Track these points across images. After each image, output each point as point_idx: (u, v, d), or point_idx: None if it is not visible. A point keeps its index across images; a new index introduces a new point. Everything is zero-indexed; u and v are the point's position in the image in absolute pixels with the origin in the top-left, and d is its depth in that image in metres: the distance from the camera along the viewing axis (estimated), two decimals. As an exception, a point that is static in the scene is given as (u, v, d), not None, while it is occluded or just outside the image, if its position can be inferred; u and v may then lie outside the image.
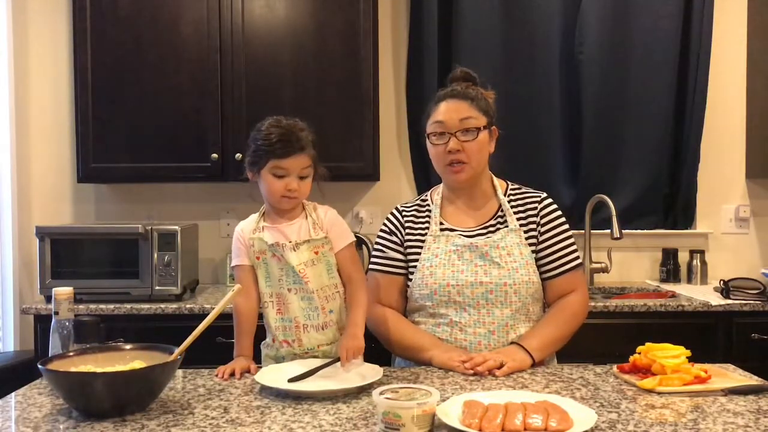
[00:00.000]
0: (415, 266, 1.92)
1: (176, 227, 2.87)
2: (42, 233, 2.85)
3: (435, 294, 1.86)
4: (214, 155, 3.01)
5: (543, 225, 1.93)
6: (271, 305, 1.82)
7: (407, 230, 1.98)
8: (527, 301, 1.87)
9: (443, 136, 1.88)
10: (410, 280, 1.94)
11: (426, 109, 1.98)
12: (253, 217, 1.89)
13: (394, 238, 1.98)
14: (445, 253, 1.89)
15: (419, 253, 1.93)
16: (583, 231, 3.29)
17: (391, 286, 1.96)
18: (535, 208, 1.95)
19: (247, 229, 1.86)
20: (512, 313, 1.85)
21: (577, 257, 1.95)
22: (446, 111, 1.89)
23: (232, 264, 1.88)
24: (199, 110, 3.02)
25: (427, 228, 1.95)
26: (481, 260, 1.87)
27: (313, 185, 1.85)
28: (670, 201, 3.41)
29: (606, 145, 3.34)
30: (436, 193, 2.02)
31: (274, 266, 1.81)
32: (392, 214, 2.04)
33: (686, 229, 3.40)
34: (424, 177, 3.33)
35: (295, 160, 1.78)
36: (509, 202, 1.96)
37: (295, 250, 1.79)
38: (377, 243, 2.01)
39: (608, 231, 3.11)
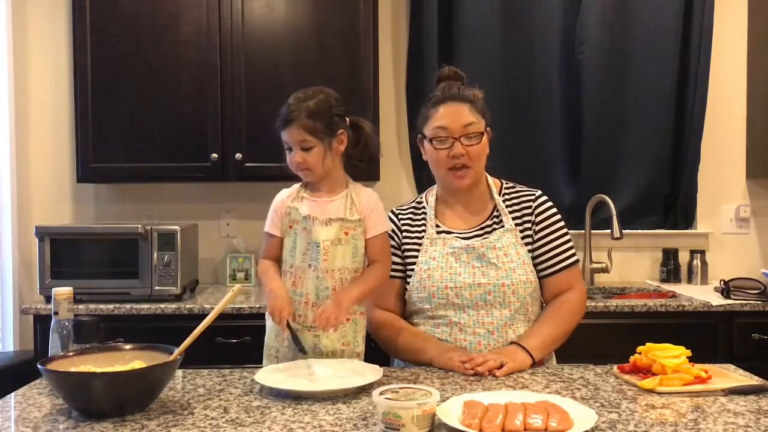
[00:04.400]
0: (412, 269, 1.92)
1: (176, 227, 2.87)
2: (42, 233, 2.85)
3: (433, 297, 1.86)
4: (214, 155, 3.01)
5: (538, 223, 1.93)
6: (289, 275, 1.81)
7: (404, 234, 1.98)
8: (526, 301, 1.87)
9: (446, 140, 1.87)
10: (408, 283, 1.93)
11: (422, 110, 1.96)
12: (295, 187, 1.89)
13: (391, 242, 1.97)
14: (442, 256, 1.89)
15: (416, 257, 1.92)
16: (583, 231, 3.29)
17: (389, 290, 1.95)
18: (530, 206, 1.95)
19: (287, 198, 1.86)
20: (511, 313, 1.85)
21: (574, 254, 1.94)
22: (448, 115, 1.87)
23: (264, 229, 1.88)
24: (199, 110, 3.02)
25: (424, 231, 1.95)
26: (479, 262, 1.86)
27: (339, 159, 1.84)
28: (670, 201, 3.41)
29: (606, 145, 3.34)
30: (431, 195, 2.01)
31: (302, 240, 1.80)
32: (388, 218, 2.02)
33: (686, 229, 3.40)
34: (424, 177, 3.32)
35: (289, 132, 1.78)
36: (504, 201, 1.96)
37: (326, 226, 1.79)
38: None
39: (608, 231, 3.11)
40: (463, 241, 1.90)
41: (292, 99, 1.80)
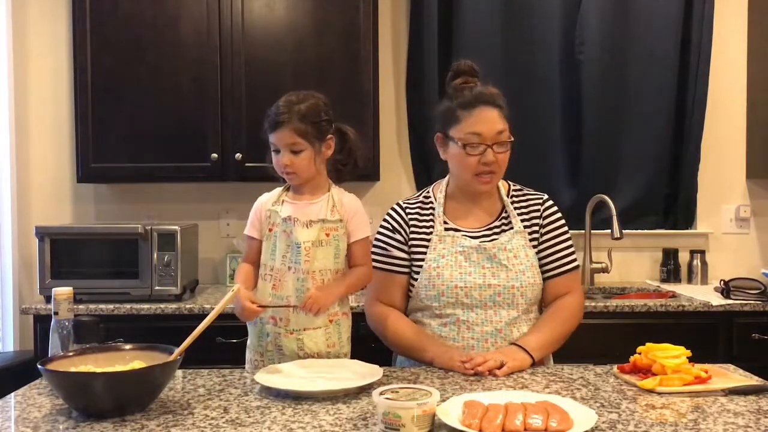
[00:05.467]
0: (420, 265, 1.91)
1: (176, 227, 2.87)
2: (42, 233, 2.85)
3: (442, 295, 1.86)
4: (214, 155, 3.01)
5: (545, 226, 1.94)
6: (269, 279, 1.82)
7: (412, 228, 1.96)
8: (531, 302, 1.89)
9: (478, 147, 1.85)
10: (414, 278, 1.93)
11: (448, 107, 1.91)
12: (277, 190, 1.90)
13: (398, 236, 1.96)
14: (451, 254, 1.89)
15: (424, 253, 1.92)
16: (583, 231, 3.28)
17: (394, 285, 1.95)
18: (538, 209, 1.96)
19: (267, 201, 1.88)
20: (518, 314, 1.86)
21: (576, 259, 1.96)
22: (483, 122, 1.85)
23: (244, 231, 1.91)
24: (198, 110, 3.02)
25: (432, 226, 1.94)
26: (489, 262, 1.87)
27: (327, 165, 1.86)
28: (670, 201, 3.41)
29: (606, 145, 3.34)
30: (439, 191, 2.00)
31: (282, 241, 1.81)
32: (394, 210, 2.01)
33: (686, 229, 3.40)
34: (424, 177, 3.33)
35: (279, 134, 1.78)
36: (512, 203, 1.97)
37: (306, 228, 1.80)
38: (378, 240, 1.98)
39: (608, 231, 3.11)
40: (473, 240, 1.90)
41: (282, 101, 1.81)
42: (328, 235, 1.81)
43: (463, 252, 1.88)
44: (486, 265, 1.87)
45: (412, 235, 1.96)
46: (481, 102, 1.87)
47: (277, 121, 1.78)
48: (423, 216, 1.97)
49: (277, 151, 1.80)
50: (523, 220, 1.94)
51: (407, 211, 1.99)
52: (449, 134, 1.90)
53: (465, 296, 1.84)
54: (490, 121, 1.86)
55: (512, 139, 1.90)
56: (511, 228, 1.92)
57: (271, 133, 1.80)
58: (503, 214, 1.95)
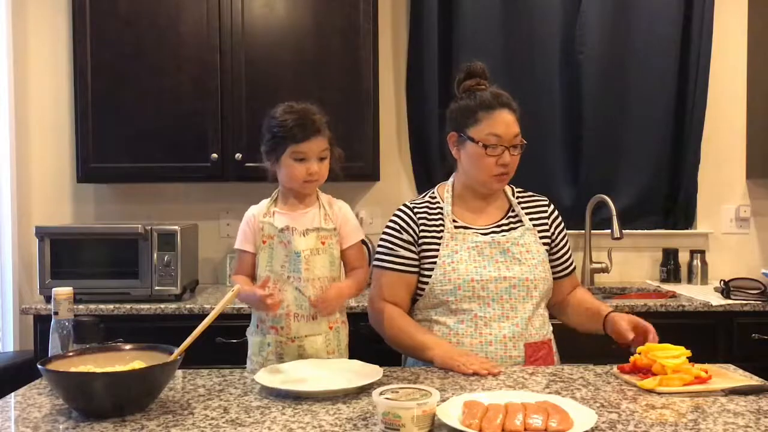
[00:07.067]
0: (433, 263, 1.91)
1: (176, 227, 2.87)
2: (42, 233, 2.85)
3: (459, 289, 1.87)
4: (214, 155, 3.01)
5: (555, 228, 2.02)
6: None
7: (422, 227, 1.96)
8: (543, 296, 1.93)
9: (497, 148, 1.89)
10: (423, 276, 1.93)
11: (466, 106, 1.94)
12: (265, 202, 1.91)
13: (405, 236, 1.96)
14: (465, 250, 1.91)
15: (437, 251, 1.92)
16: (583, 231, 3.28)
17: (399, 284, 1.95)
18: (545, 211, 2.02)
19: (259, 213, 1.89)
20: (533, 307, 1.89)
21: (573, 259, 2.09)
22: (504, 124, 1.90)
23: (236, 246, 1.92)
24: (199, 110, 3.02)
25: (441, 225, 1.95)
26: (503, 256, 1.90)
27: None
28: (670, 201, 3.41)
29: (606, 145, 3.34)
30: (446, 191, 2.01)
31: (279, 252, 1.83)
32: (402, 211, 2.01)
33: (686, 229, 3.40)
34: (424, 177, 3.33)
35: (313, 143, 1.80)
36: (518, 203, 2.02)
37: (303, 236, 1.82)
38: (384, 240, 1.98)
39: (608, 231, 3.11)
40: (483, 236, 1.93)
41: (299, 111, 1.82)
42: (323, 243, 1.84)
43: (476, 247, 1.91)
44: (499, 259, 1.90)
45: (422, 234, 1.96)
46: (500, 105, 1.92)
47: (312, 129, 1.79)
48: (431, 215, 1.98)
49: (301, 160, 1.81)
50: (531, 219, 1.99)
51: (415, 210, 1.99)
52: (467, 134, 1.92)
53: (481, 289, 1.86)
54: (509, 123, 1.91)
55: (525, 142, 1.94)
56: (522, 225, 1.96)
57: (300, 142, 1.79)
58: (510, 213, 1.99)
